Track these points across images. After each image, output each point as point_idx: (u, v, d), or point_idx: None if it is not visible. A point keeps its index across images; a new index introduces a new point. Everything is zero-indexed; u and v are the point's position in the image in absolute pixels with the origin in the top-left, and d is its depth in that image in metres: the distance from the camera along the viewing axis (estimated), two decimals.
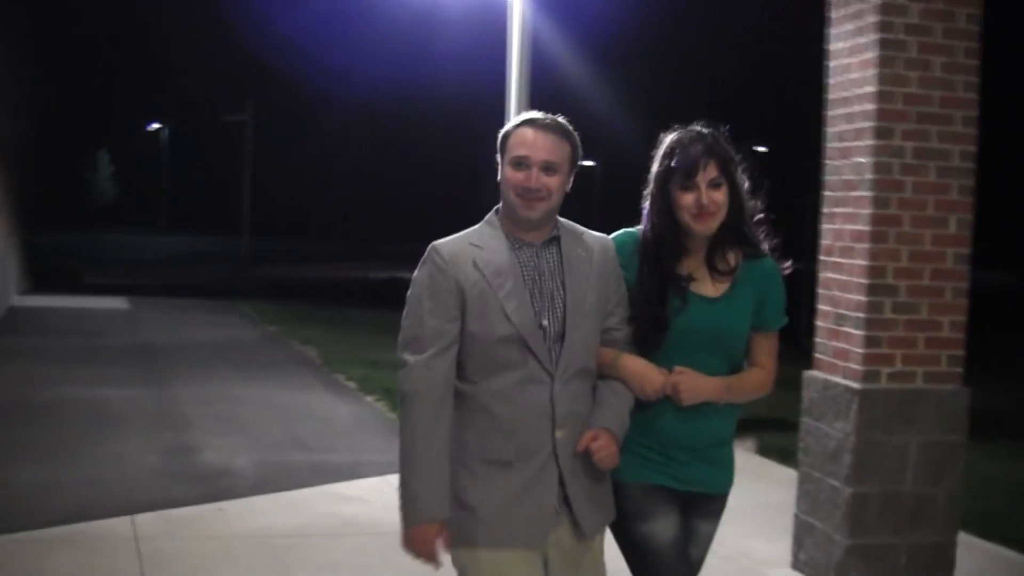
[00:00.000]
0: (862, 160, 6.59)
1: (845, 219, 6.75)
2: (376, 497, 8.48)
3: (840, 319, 6.74)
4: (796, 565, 7.04)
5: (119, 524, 7.70)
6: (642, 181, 4.15)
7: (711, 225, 3.97)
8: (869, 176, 6.52)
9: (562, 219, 3.96)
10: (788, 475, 9.65)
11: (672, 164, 3.97)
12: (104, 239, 73.57)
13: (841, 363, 6.71)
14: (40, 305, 24.28)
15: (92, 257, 51.42)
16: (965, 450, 6.71)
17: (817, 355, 6.98)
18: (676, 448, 4.02)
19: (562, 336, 3.80)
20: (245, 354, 17.53)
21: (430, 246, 3.85)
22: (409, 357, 3.76)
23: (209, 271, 42.00)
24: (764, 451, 11.03)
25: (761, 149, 75.71)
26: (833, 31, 6.92)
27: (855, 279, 6.61)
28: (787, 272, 4.24)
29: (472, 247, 3.83)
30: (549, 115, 3.90)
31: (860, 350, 6.52)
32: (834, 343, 6.80)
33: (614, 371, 3.94)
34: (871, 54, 6.52)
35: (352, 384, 14.26)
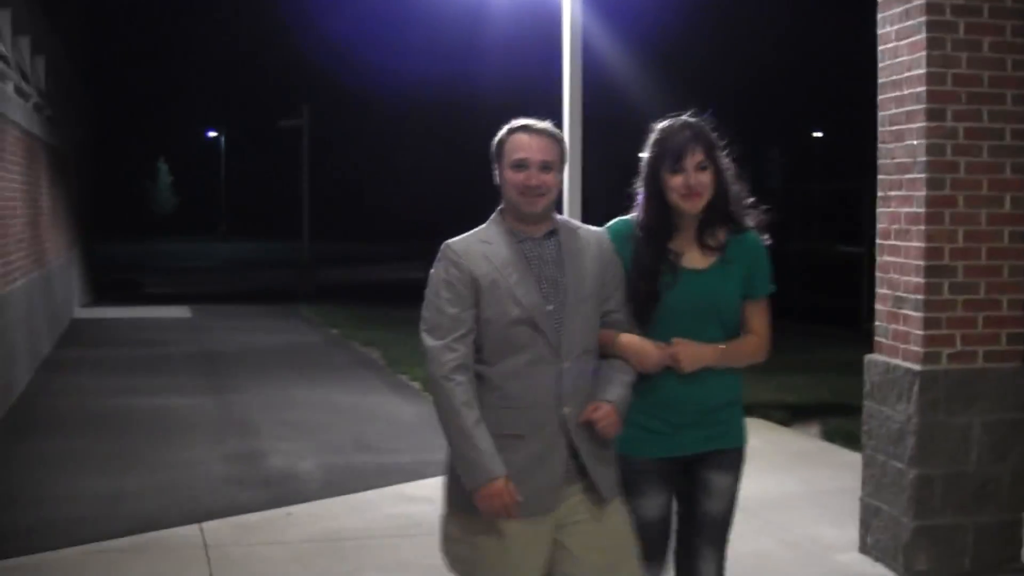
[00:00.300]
0: (915, 142, 6.57)
1: (900, 202, 6.73)
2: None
3: (899, 302, 6.72)
4: (864, 549, 7.03)
5: (188, 532, 7.79)
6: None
7: (698, 204, 4.39)
8: (922, 158, 6.50)
9: (559, 215, 4.40)
10: (853, 459, 9.59)
11: (662, 150, 4.41)
12: (164, 248, 74.26)
13: (901, 345, 6.70)
14: (103, 316, 24.50)
15: (153, 266, 51.86)
16: None
17: (877, 338, 6.98)
18: (683, 413, 4.41)
19: (564, 318, 4.21)
20: (308, 358, 17.62)
21: (444, 244, 4.31)
22: (431, 342, 4.18)
23: (270, 277, 42.20)
24: (828, 436, 10.97)
25: (818, 135, 75.49)
26: (881, 15, 6.91)
27: (912, 261, 6.59)
28: (768, 244, 4.62)
29: (481, 243, 4.28)
30: (538, 120, 4.36)
31: (920, 332, 6.51)
32: (894, 326, 6.79)
33: (615, 350, 4.34)
34: (919, 36, 6.51)
35: (416, 384, 14.30)
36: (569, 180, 11.44)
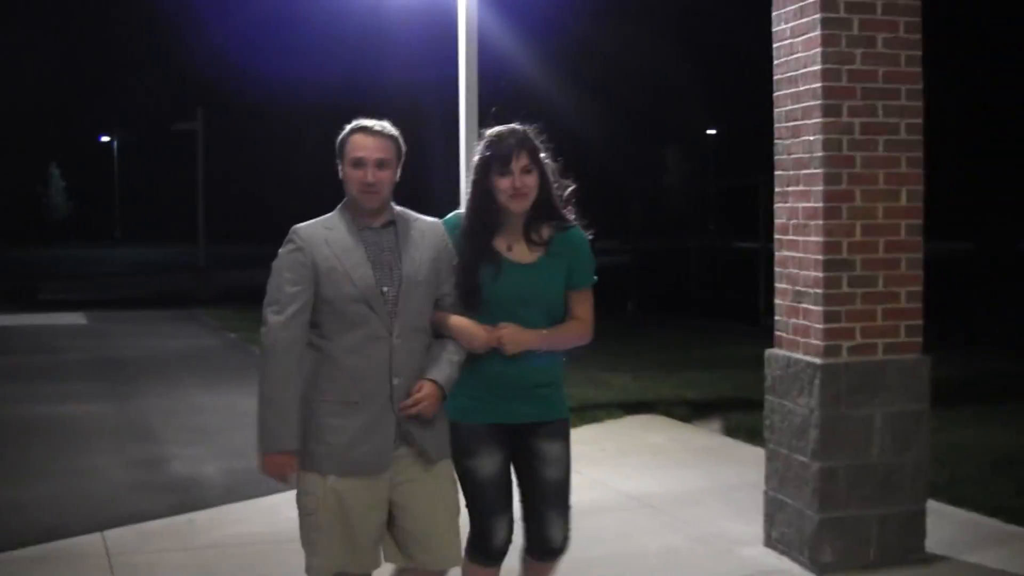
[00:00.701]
0: (811, 138, 6.66)
1: (798, 197, 6.81)
2: None
3: (799, 296, 6.80)
4: (769, 543, 7.10)
5: (90, 541, 7.66)
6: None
7: (524, 204, 4.85)
8: (819, 153, 6.58)
9: (397, 207, 4.86)
10: (756, 454, 9.69)
11: (491, 154, 4.86)
12: (59, 253, 73.02)
13: (802, 339, 6.77)
14: None
15: (47, 273, 51.03)
16: (930, 418, 6.80)
17: (778, 332, 7.05)
18: (503, 388, 4.89)
19: (398, 299, 4.68)
20: (207, 362, 17.46)
21: (292, 229, 4.76)
22: (271, 317, 4.64)
23: (167, 281, 41.73)
24: (731, 432, 11.08)
25: (711, 132, 76.27)
26: (776, 12, 6.99)
27: (811, 256, 6.67)
28: (591, 238, 5.05)
29: (325, 230, 4.74)
30: (376, 121, 4.79)
31: (820, 325, 6.59)
32: (794, 320, 6.86)
33: (447, 330, 4.81)
34: (815, 33, 6.59)
35: None
36: (466, 174, 11.47)
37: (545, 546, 5.04)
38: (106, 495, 8.99)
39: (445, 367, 4.76)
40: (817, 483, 6.60)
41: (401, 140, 4.80)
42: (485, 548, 4.97)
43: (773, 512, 7.05)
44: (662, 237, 29.39)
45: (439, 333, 4.83)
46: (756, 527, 7.32)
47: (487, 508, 4.93)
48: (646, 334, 20.84)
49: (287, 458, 4.65)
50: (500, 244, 4.92)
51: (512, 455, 5.00)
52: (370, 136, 4.73)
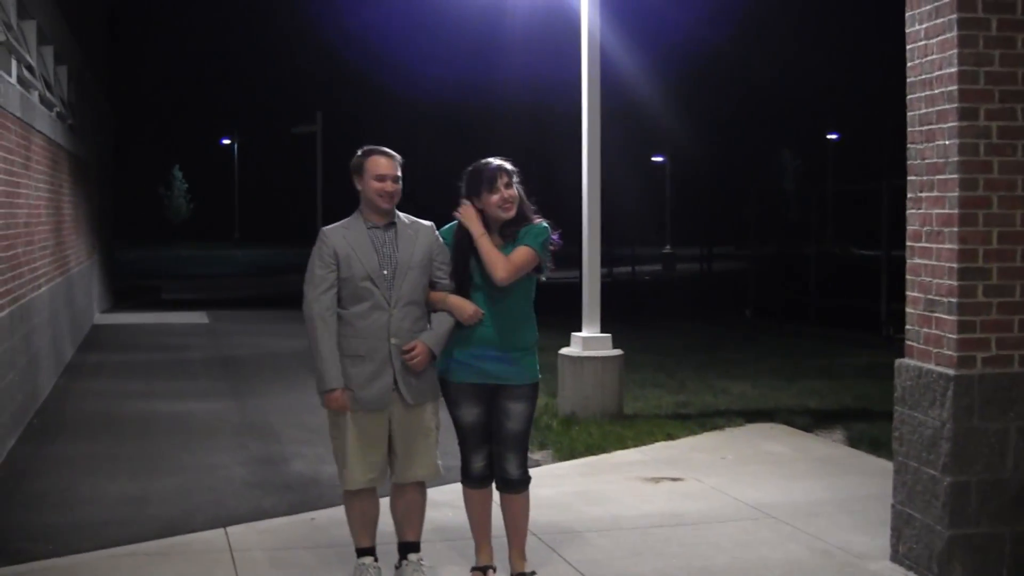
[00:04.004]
0: (946, 142, 6.48)
1: (932, 203, 6.64)
2: None
3: (931, 305, 6.62)
4: (895, 558, 6.92)
5: (213, 536, 7.76)
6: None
7: (512, 211, 6.45)
8: (955, 158, 6.40)
9: (399, 212, 6.53)
10: (880, 465, 9.53)
11: (479, 178, 6.46)
12: (179, 254, 74.34)
13: (934, 349, 6.59)
14: (122, 322, 24.51)
15: (169, 273, 51.93)
16: None
17: (908, 342, 6.87)
18: (486, 349, 6.44)
19: (395, 280, 6.34)
20: None
21: (320, 230, 6.47)
22: (308, 292, 6.37)
23: (285, 282, 42.20)
24: (853, 442, 10.88)
25: (832, 137, 75.26)
26: (910, 13, 6.81)
27: (945, 263, 6.49)
28: (543, 224, 6.55)
29: (344, 229, 6.46)
30: (386, 148, 6.51)
31: (954, 336, 6.41)
32: (926, 329, 6.68)
33: (443, 306, 6.45)
34: (951, 34, 6.40)
35: None
36: (588, 177, 11.70)
37: (503, 476, 6.57)
38: (228, 491, 9.10)
39: (435, 336, 6.39)
40: (948, 498, 6.42)
41: (401, 161, 6.50)
42: (467, 473, 6.67)
43: (900, 526, 6.88)
44: (779, 243, 29.04)
45: (435, 308, 6.47)
46: (882, 541, 7.15)
47: (467, 445, 6.63)
48: (763, 341, 20.61)
49: (340, 393, 6.30)
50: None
51: (488, 407, 6.52)
52: (387, 157, 6.45)
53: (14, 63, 13.40)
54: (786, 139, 79.06)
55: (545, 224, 6.54)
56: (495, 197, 6.40)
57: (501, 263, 6.36)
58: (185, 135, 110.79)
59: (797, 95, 74.82)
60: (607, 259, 12.91)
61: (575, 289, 12.65)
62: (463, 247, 6.50)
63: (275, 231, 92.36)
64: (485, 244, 6.42)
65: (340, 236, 6.40)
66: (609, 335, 12.27)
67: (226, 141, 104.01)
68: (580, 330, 12.28)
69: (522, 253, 6.42)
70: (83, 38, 23.84)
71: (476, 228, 6.44)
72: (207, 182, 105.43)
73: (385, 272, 6.33)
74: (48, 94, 16.46)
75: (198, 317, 25.90)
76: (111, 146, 34.16)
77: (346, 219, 6.53)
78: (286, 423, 12.11)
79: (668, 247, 53.48)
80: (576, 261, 12.14)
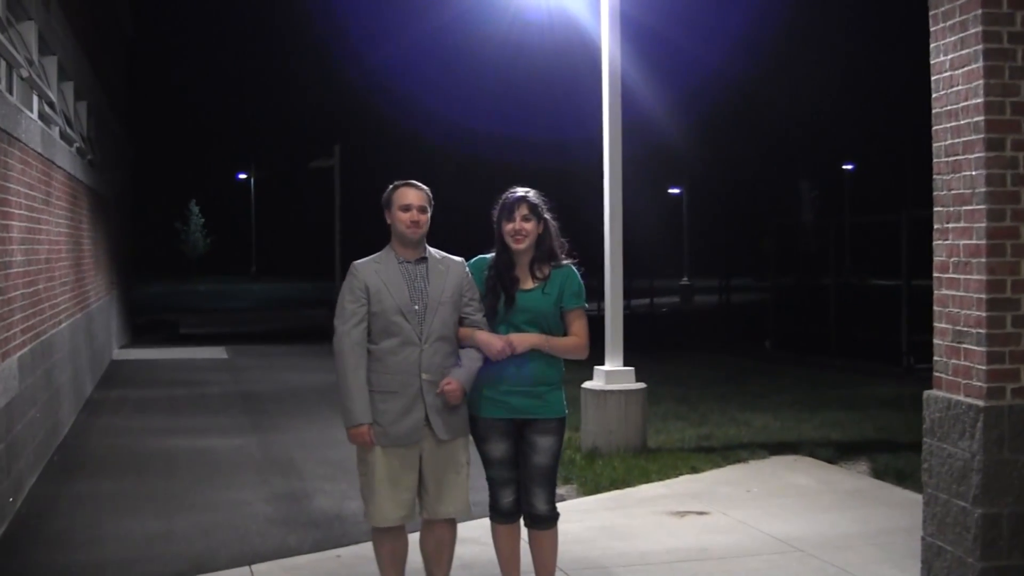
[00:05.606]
0: (973, 173, 6.46)
1: (958, 234, 6.61)
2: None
3: (959, 336, 6.59)
4: None
5: (238, 574, 7.75)
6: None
7: (522, 244, 6.48)
8: (982, 189, 6.39)
9: (430, 247, 6.53)
10: (906, 497, 9.48)
11: (501, 208, 6.50)
12: (197, 289, 74.45)
13: (963, 381, 6.56)
14: (141, 358, 24.54)
15: (186, 307, 51.98)
16: None
17: (937, 373, 6.83)
18: (513, 386, 6.43)
19: (425, 315, 6.33)
20: None
21: (352, 264, 6.49)
22: (339, 327, 6.33)
23: (303, 316, 42.24)
24: (878, 474, 10.81)
25: (848, 167, 75.25)
26: (935, 44, 6.80)
27: (973, 294, 6.46)
28: (575, 264, 6.65)
29: (375, 263, 6.47)
30: (414, 180, 6.55)
31: (983, 367, 6.37)
32: (954, 361, 6.65)
33: (471, 342, 6.43)
34: (976, 64, 6.41)
35: None
36: (609, 213, 11.55)
37: (531, 512, 6.54)
38: (252, 528, 9.07)
39: (467, 370, 6.36)
40: (978, 530, 6.37)
41: (430, 193, 6.52)
42: (495, 508, 6.62)
43: (931, 559, 6.83)
44: (797, 274, 28.96)
45: (464, 345, 6.43)
46: (911, 574, 7.11)
47: (495, 480, 6.59)
48: (785, 372, 20.52)
49: (365, 428, 6.24)
50: (514, 277, 6.52)
51: (516, 442, 6.51)
52: (413, 188, 6.48)
53: (35, 99, 13.49)
54: (803, 170, 79.01)
55: (573, 268, 6.58)
56: (509, 226, 6.45)
57: (579, 349, 6.51)
58: (201, 170, 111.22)
59: (814, 126, 74.80)
60: (625, 291, 12.81)
61: (596, 322, 12.62)
62: (496, 278, 6.50)
63: (292, 265, 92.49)
64: (556, 344, 6.45)
65: (371, 270, 6.40)
66: (632, 368, 12.23)
67: (243, 176, 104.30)
68: (603, 363, 12.24)
69: (582, 323, 6.52)
70: (102, 74, 23.97)
71: (535, 340, 6.41)
72: (224, 217, 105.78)
73: (416, 307, 6.30)
74: (68, 130, 16.54)
75: (217, 352, 25.90)
76: (129, 181, 34.28)
77: (377, 253, 6.52)
78: (308, 459, 12.08)
79: (686, 278, 53.40)
80: (597, 294, 12.11)
